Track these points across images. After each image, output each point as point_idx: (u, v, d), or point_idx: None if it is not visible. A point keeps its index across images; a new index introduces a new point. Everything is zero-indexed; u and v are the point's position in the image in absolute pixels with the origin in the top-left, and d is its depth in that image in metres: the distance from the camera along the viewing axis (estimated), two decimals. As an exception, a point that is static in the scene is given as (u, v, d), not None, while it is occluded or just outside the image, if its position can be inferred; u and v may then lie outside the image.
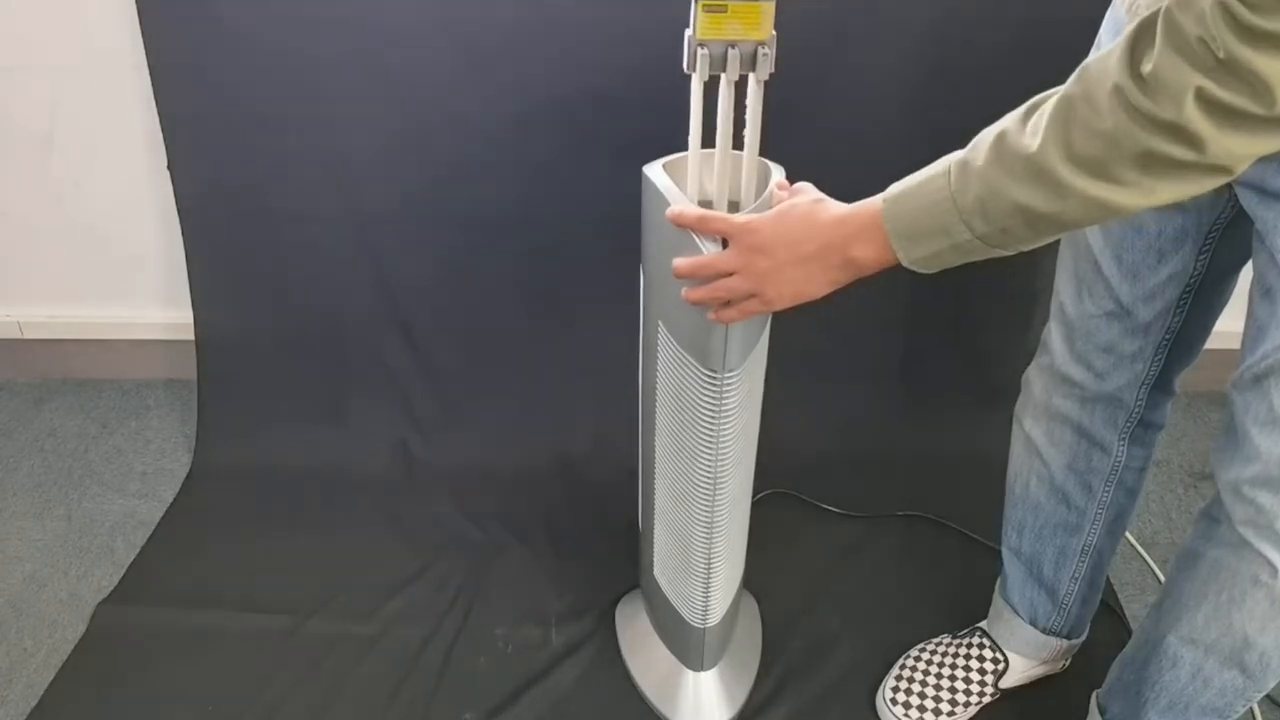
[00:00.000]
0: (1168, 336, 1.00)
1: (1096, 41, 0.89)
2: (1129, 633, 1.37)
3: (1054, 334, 1.08)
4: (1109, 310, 1.00)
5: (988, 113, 0.71)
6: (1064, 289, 1.04)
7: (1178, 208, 0.89)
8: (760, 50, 0.85)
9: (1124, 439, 1.09)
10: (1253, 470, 0.84)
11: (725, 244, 0.85)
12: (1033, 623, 1.23)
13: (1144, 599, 1.44)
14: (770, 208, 0.84)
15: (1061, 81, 0.66)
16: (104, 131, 1.60)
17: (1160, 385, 1.05)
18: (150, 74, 1.48)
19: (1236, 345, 0.92)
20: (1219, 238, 0.92)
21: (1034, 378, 1.14)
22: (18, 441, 1.76)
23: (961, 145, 0.71)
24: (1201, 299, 0.97)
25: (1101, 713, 1.11)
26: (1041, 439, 1.14)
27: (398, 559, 1.48)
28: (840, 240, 0.78)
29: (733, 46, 0.85)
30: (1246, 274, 0.90)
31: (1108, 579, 1.44)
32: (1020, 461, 1.18)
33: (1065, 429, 1.11)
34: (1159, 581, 1.47)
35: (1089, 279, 1.00)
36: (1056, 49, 0.98)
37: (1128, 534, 1.52)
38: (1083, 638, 1.27)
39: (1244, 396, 0.84)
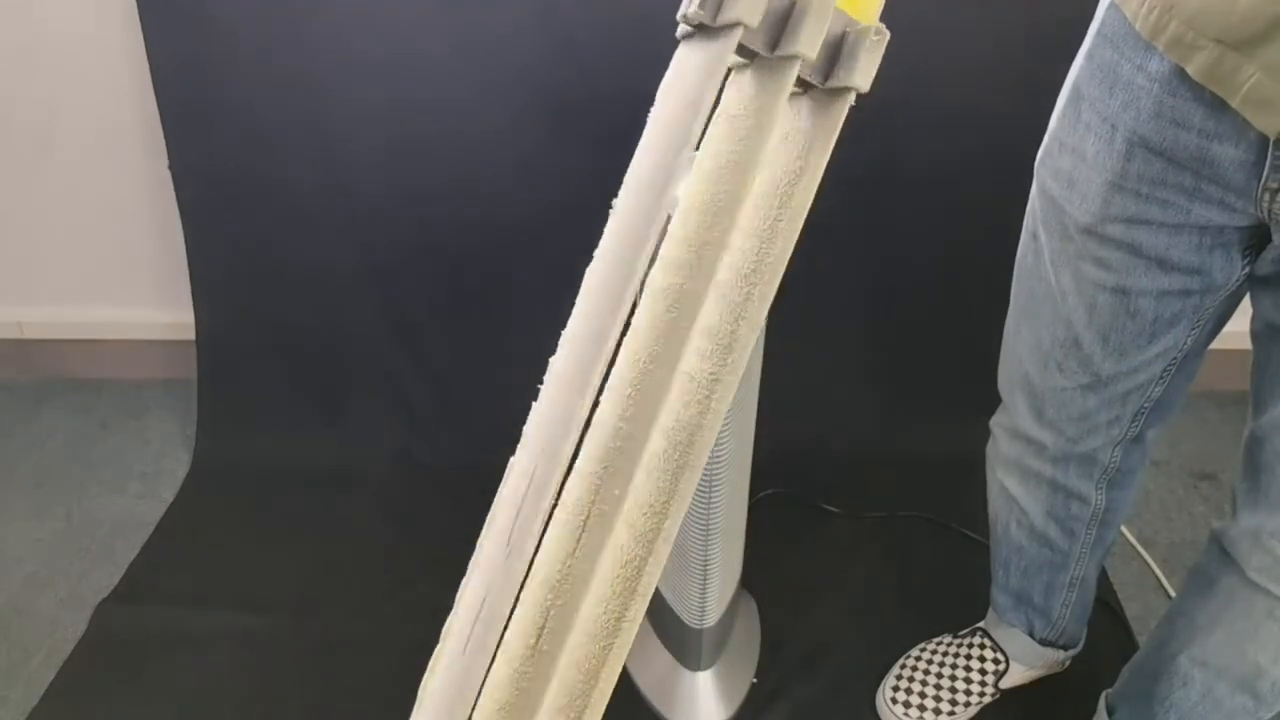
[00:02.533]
0: (1146, 404, 0.96)
1: (1084, 50, 0.83)
2: (1128, 633, 1.37)
3: (1018, 401, 1.02)
4: (1085, 383, 0.94)
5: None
6: (1027, 359, 0.98)
7: (1183, 293, 0.84)
8: (866, 48, 0.44)
9: (1101, 488, 1.06)
10: (1278, 522, 0.83)
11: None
12: (1030, 634, 1.23)
13: (1144, 599, 1.44)
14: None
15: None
16: (104, 131, 1.60)
17: (1136, 440, 1.02)
18: (150, 74, 1.48)
19: (1236, 345, 0.92)
20: (1212, 311, 0.88)
21: (999, 435, 1.09)
22: (18, 441, 1.76)
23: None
24: (1185, 367, 0.93)
25: (1110, 713, 1.11)
26: (1017, 489, 1.10)
27: (398, 559, 1.48)
28: None
29: (801, 32, 0.42)
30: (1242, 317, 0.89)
31: (1108, 579, 1.44)
32: (999, 505, 1.15)
33: (1040, 482, 1.07)
34: (1159, 581, 1.47)
35: (1062, 355, 0.94)
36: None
37: (1128, 534, 1.52)
38: (1079, 646, 1.27)
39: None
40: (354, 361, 1.68)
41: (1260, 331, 0.84)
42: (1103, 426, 0.98)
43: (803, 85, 0.46)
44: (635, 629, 0.44)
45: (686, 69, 0.44)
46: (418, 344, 1.66)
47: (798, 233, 0.45)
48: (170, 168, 1.55)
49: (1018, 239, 0.97)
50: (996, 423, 1.10)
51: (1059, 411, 0.98)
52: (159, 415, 1.82)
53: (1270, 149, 0.69)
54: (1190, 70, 0.69)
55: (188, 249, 1.62)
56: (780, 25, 0.43)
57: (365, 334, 1.66)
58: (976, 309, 1.58)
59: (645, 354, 0.44)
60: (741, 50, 0.44)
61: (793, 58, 0.43)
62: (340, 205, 1.55)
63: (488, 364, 1.67)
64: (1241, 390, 0.89)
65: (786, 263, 0.45)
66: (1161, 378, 0.93)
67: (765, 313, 0.45)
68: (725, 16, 0.42)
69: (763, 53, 0.44)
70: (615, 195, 1.22)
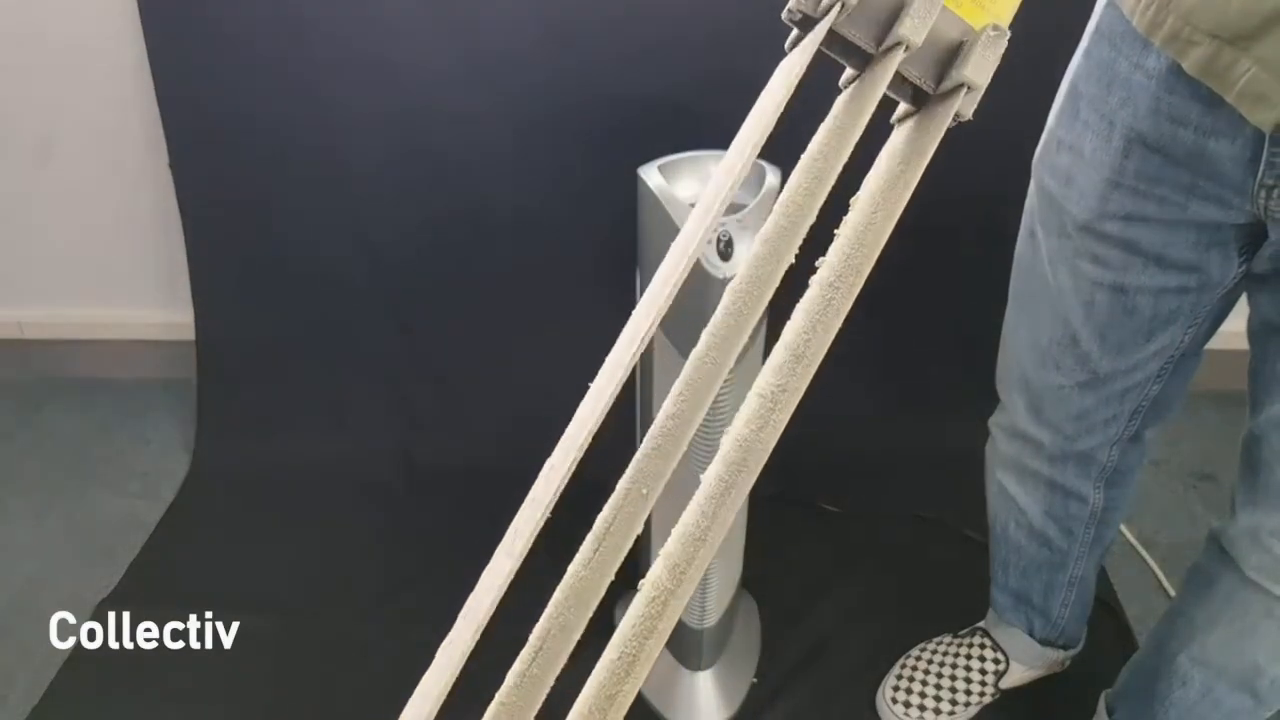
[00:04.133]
0: (1144, 403, 0.96)
1: (1082, 48, 0.84)
2: (1129, 633, 1.37)
3: (1016, 400, 1.02)
4: (1082, 381, 0.94)
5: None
6: (1025, 357, 0.98)
7: (1181, 290, 0.85)
8: (981, 43, 0.42)
9: (1099, 487, 1.06)
10: (1276, 520, 0.83)
11: (725, 247, 0.85)
12: (1030, 634, 1.23)
13: (1143, 599, 1.44)
14: (771, 210, 0.82)
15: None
16: (104, 131, 1.60)
17: (1134, 439, 1.02)
18: (150, 74, 1.48)
19: (1236, 345, 0.92)
20: (1209, 309, 0.88)
21: (998, 434, 1.09)
22: (18, 442, 1.76)
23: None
24: (1182, 365, 0.93)
25: (1110, 713, 1.11)
26: (1015, 489, 1.10)
27: (398, 559, 1.48)
28: None
29: (905, 17, 0.40)
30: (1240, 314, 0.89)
31: (1108, 579, 1.44)
32: (998, 505, 1.15)
33: (1038, 482, 1.07)
34: (1158, 581, 1.46)
35: (1059, 352, 0.93)
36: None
37: (1128, 534, 1.52)
38: (1079, 646, 1.27)
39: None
40: (354, 362, 1.68)
41: (1257, 330, 0.84)
42: (1100, 425, 0.98)
43: (917, 102, 0.44)
44: (646, 671, 0.38)
45: (785, 66, 0.41)
46: (418, 344, 1.66)
47: (883, 242, 0.43)
48: (170, 167, 1.55)
49: (1016, 237, 0.97)
50: (995, 422, 1.10)
51: (1057, 410, 0.98)
52: (159, 415, 1.82)
53: (1266, 145, 0.70)
54: (1186, 65, 0.69)
55: (188, 249, 1.62)
56: (889, 21, 0.41)
57: (365, 334, 1.66)
58: (976, 308, 1.58)
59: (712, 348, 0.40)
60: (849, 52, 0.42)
61: (894, 46, 0.40)
62: (340, 205, 1.56)
63: (488, 364, 1.67)
64: (1241, 390, 0.89)
65: (867, 274, 0.43)
66: (1159, 376, 0.93)
67: (839, 324, 0.42)
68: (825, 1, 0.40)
69: (868, 48, 0.42)
70: (617, 200, 1.21)
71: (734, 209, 0.96)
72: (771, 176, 0.94)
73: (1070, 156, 0.83)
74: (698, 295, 0.89)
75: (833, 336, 0.42)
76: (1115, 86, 0.77)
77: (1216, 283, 0.83)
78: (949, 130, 0.46)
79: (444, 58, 1.43)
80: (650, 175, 0.94)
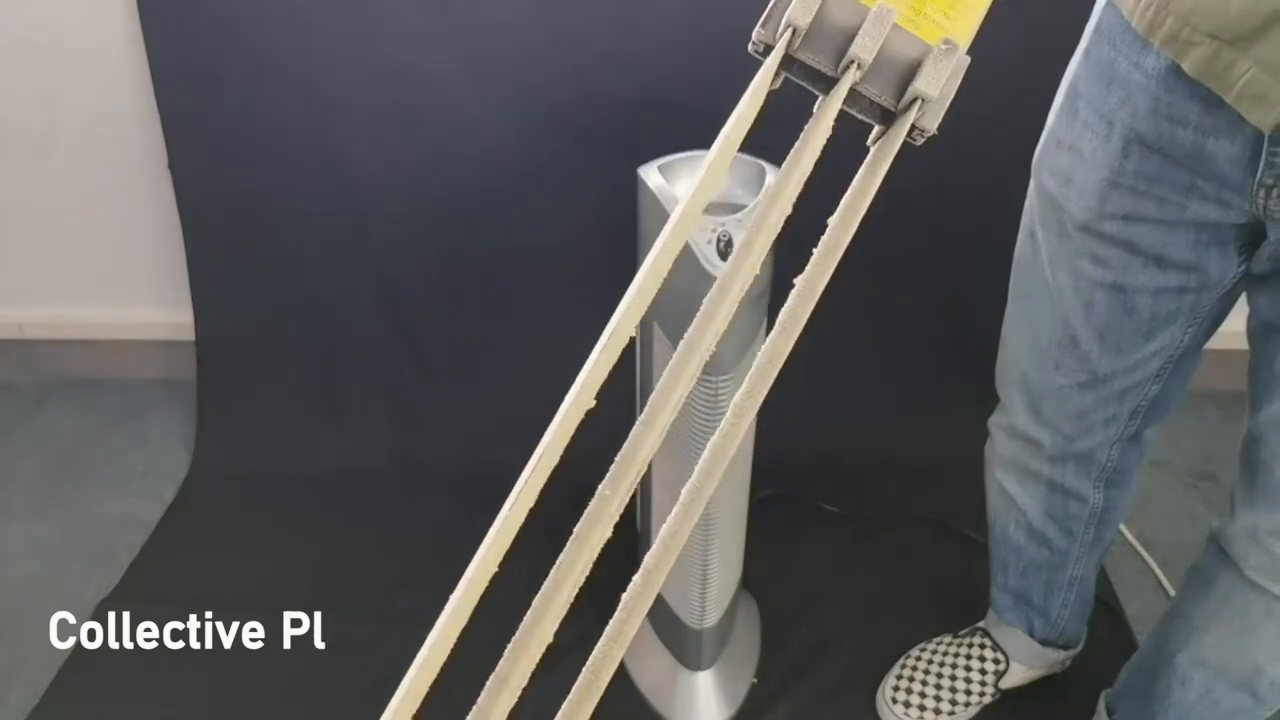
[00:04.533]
0: (1143, 403, 0.97)
1: (1082, 48, 0.84)
2: (1129, 633, 1.37)
3: (1016, 399, 1.03)
4: (1082, 381, 0.94)
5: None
6: (1025, 357, 0.98)
7: (1180, 290, 0.85)
8: (933, 57, 0.43)
9: (1099, 487, 1.06)
10: (1275, 520, 0.83)
11: (725, 247, 0.85)
12: (1030, 634, 1.23)
13: (1143, 598, 1.44)
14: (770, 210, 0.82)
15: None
16: (104, 132, 1.60)
17: (1133, 439, 1.02)
18: (150, 74, 1.48)
19: (1236, 345, 0.92)
20: (1209, 309, 0.88)
21: (997, 434, 1.09)
22: (18, 441, 1.76)
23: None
24: (1181, 365, 0.94)
25: (1109, 713, 1.11)
26: (1015, 489, 1.10)
27: (398, 559, 1.48)
28: None
29: (857, 37, 0.42)
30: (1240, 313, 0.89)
31: (1107, 579, 1.44)
32: (997, 505, 1.15)
33: (1038, 482, 1.07)
34: (1159, 581, 1.46)
35: (1059, 353, 0.94)
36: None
37: (1128, 534, 1.52)
38: (1079, 646, 1.26)
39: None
40: (354, 361, 1.68)
41: (1256, 330, 0.84)
42: (1100, 425, 0.98)
43: (886, 122, 0.46)
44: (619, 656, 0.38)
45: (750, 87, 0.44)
46: (418, 344, 1.66)
47: (839, 255, 0.45)
48: (170, 167, 1.55)
49: (1016, 238, 0.97)
50: (995, 423, 1.10)
51: (1056, 410, 0.98)
52: (159, 415, 1.81)
53: (1265, 145, 0.70)
54: (1186, 66, 0.69)
55: (188, 249, 1.62)
56: (845, 45, 0.44)
57: (365, 334, 1.66)
58: (976, 309, 1.58)
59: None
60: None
61: (849, 66, 0.43)
62: (340, 205, 1.56)
63: (488, 364, 1.67)
64: (1241, 390, 0.90)
65: (823, 285, 0.45)
66: (1158, 376, 0.94)
67: (803, 324, 0.44)
68: (782, 27, 0.43)
69: (828, 71, 0.44)
70: (617, 200, 1.21)
71: (734, 209, 0.96)
72: (771, 177, 0.94)
73: (1070, 156, 0.83)
74: (697, 295, 0.89)
75: (790, 345, 0.44)
76: (1114, 86, 0.77)
77: (1215, 283, 0.84)
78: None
79: (444, 58, 1.43)
80: (650, 175, 0.94)
